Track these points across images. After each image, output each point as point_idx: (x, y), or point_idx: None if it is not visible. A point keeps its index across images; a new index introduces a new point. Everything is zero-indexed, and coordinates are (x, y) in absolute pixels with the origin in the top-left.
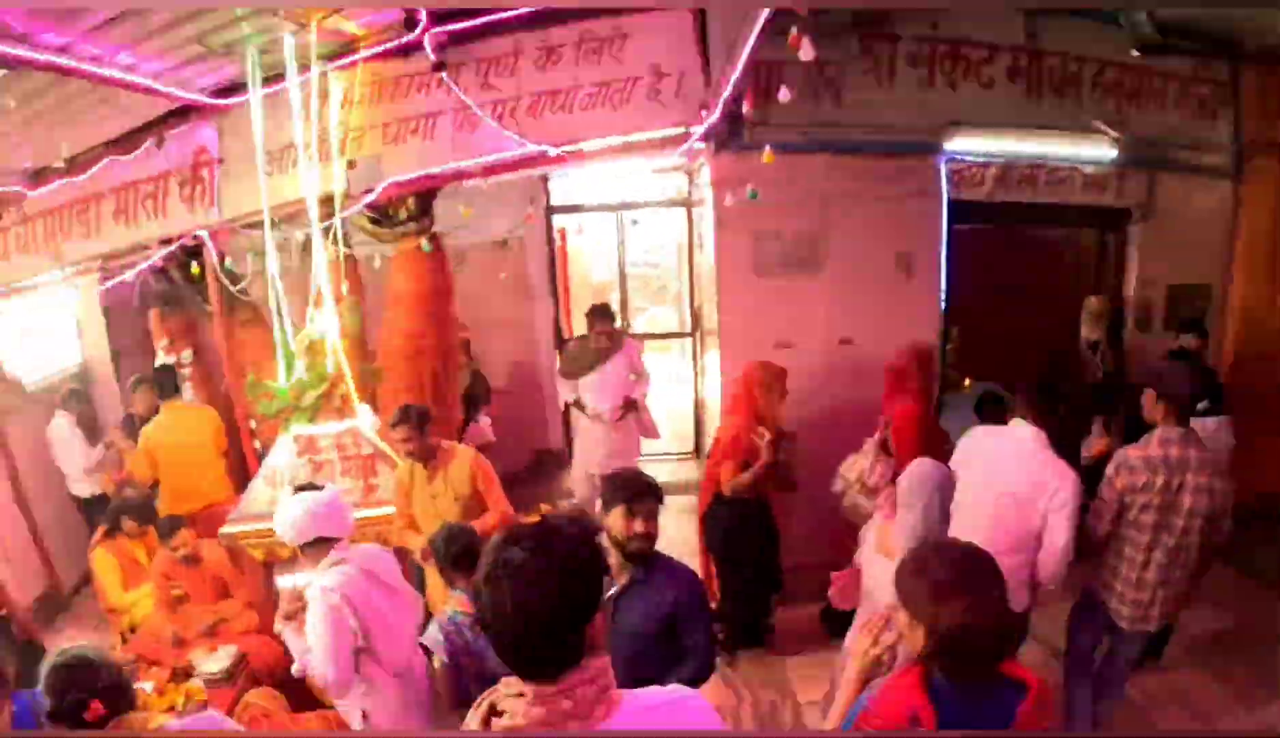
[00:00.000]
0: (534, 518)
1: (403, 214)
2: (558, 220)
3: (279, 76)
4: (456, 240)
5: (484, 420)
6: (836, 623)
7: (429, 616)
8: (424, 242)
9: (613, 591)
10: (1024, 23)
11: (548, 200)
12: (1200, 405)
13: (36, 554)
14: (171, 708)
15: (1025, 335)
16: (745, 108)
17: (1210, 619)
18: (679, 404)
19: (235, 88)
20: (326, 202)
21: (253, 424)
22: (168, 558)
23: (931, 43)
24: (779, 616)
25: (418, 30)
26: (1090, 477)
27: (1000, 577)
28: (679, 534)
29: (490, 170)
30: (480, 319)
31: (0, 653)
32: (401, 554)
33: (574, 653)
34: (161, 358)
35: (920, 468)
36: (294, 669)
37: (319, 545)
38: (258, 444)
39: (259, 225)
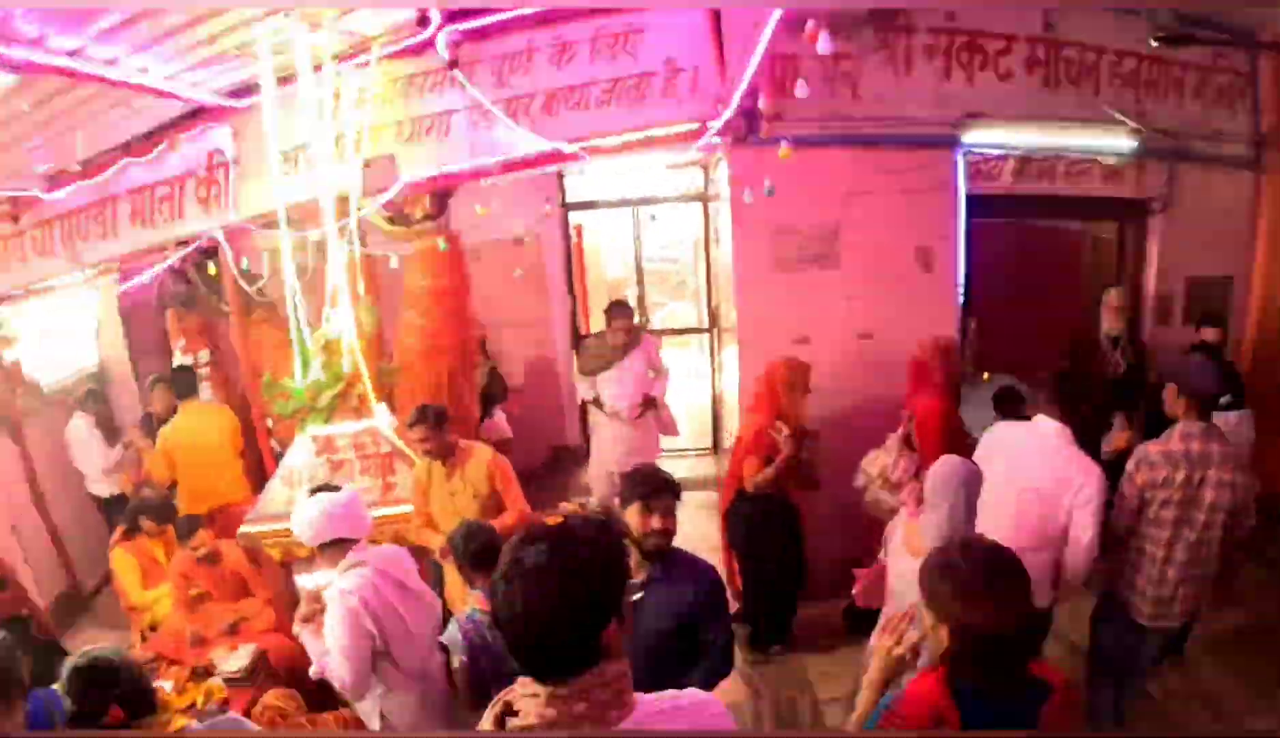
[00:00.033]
0: (556, 518)
1: (419, 213)
2: (574, 217)
3: (293, 77)
4: (472, 238)
5: (499, 415)
6: (858, 621)
7: (448, 615)
8: (440, 240)
9: (636, 595)
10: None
11: (563, 197)
12: (1221, 400)
13: (56, 555)
14: (191, 707)
15: (1044, 329)
16: (761, 102)
17: (1231, 615)
18: (697, 400)
19: (249, 89)
20: (342, 201)
21: (269, 424)
22: (187, 558)
23: (948, 34)
24: (798, 613)
25: (431, 29)
26: (1111, 472)
27: (1026, 578)
28: (697, 531)
29: (506, 168)
30: (497, 317)
31: (17, 654)
32: (419, 553)
33: (589, 656)
34: (179, 358)
35: (946, 466)
36: (312, 671)
37: (336, 546)
38: (275, 444)
39: (275, 225)
